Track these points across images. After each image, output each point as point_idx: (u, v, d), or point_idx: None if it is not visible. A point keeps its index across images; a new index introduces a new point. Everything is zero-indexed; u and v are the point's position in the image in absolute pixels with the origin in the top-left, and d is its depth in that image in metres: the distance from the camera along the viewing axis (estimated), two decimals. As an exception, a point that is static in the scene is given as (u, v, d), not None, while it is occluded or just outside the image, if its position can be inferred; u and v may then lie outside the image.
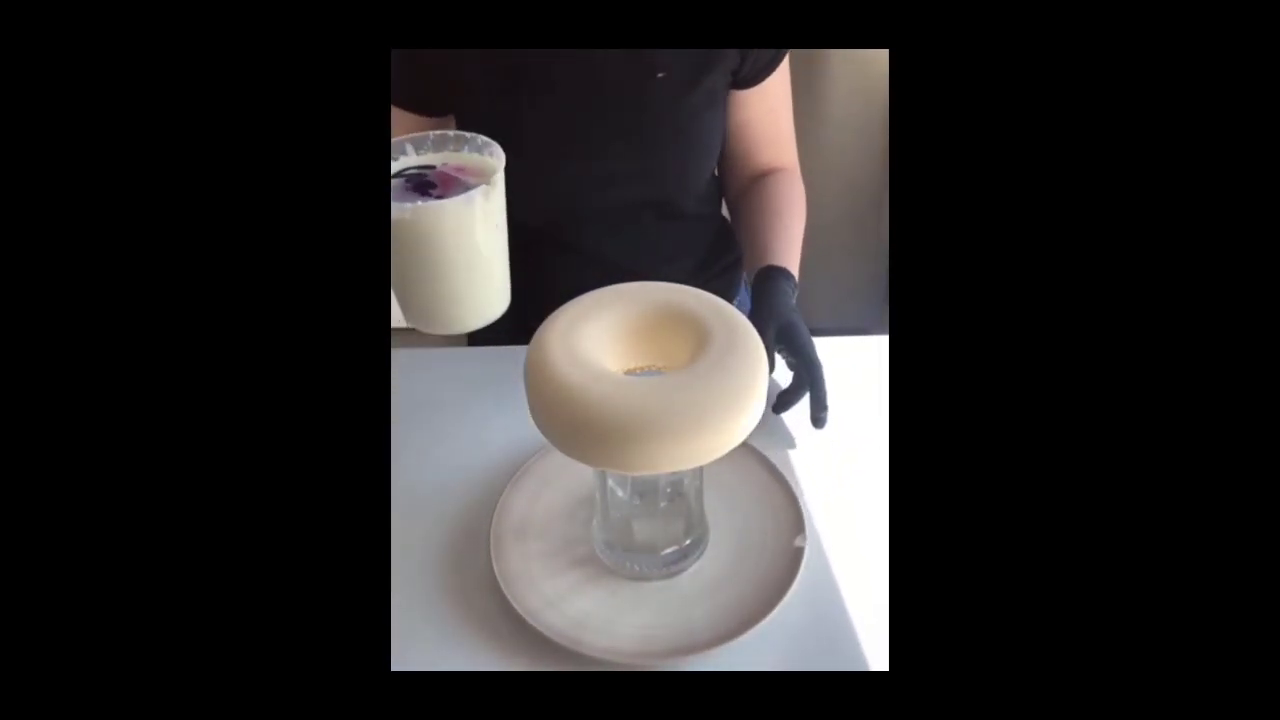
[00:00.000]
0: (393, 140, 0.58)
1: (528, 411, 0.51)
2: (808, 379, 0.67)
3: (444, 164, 0.59)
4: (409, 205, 0.53)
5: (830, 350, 0.79)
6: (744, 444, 0.55)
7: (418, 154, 0.59)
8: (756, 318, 0.70)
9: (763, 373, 0.50)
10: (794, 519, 0.61)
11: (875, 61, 1.61)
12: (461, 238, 0.56)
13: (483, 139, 0.59)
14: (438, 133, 0.59)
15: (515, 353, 0.53)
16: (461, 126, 0.59)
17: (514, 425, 0.69)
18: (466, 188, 0.56)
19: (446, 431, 0.71)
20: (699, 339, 0.51)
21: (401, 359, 0.79)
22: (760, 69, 0.79)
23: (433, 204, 0.54)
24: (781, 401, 0.69)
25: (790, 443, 0.70)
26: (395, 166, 0.58)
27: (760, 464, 0.65)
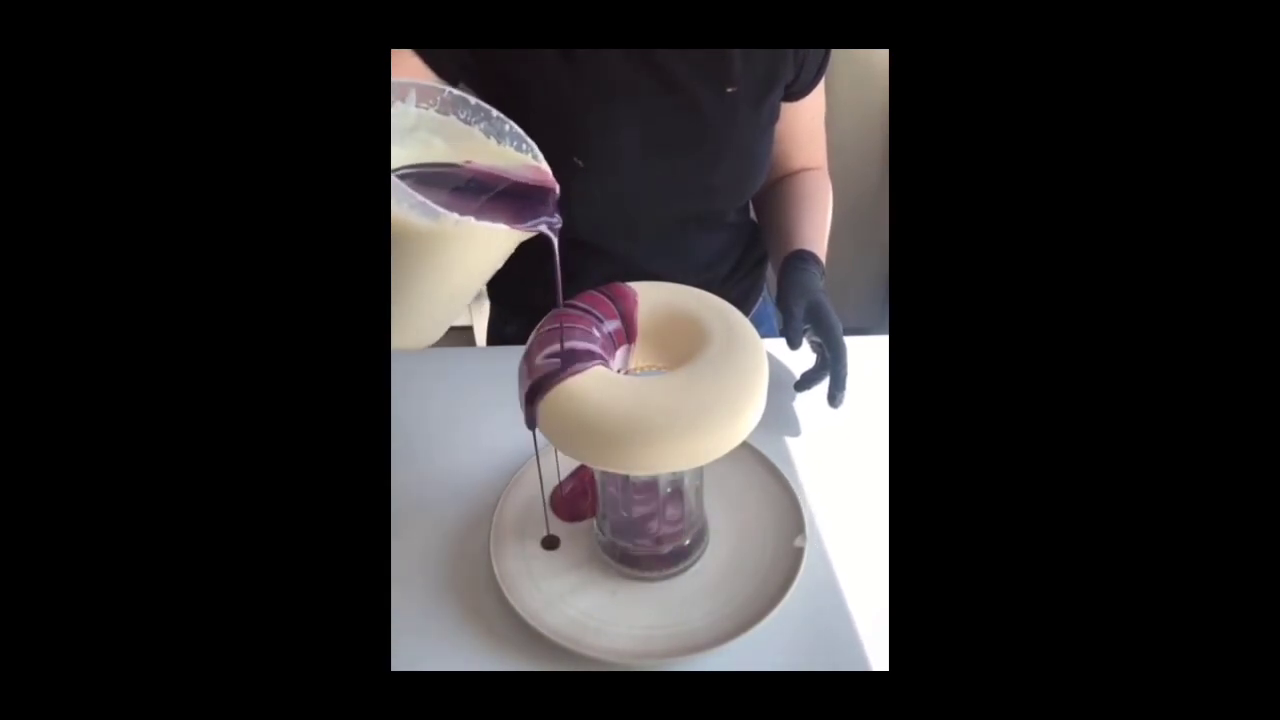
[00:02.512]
0: (394, 79, 0.46)
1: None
2: (831, 359, 0.68)
3: (474, 162, 0.48)
4: (451, 215, 0.42)
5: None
6: (744, 444, 0.55)
7: (418, 106, 0.48)
8: (786, 296, 0.72)
9: (763, 372, 0.50)
10: (794, 519, 0.61)
11: (875, 61, 1.61)
12: (487, 264, 0.48)
13: (510, 125, 0.49)
14: (455, 93, 0.48)
15: (515, 352, 0.53)
16: (522, 122, 0.50)
17: (514, 425, 0.69)
18: (521, 207, 0.46)
19: (447, 431, 0.71)
20: (699, 339, 0.51)
21: (401, 359, 0.79)
22: (809, 81, 0.80)
23: (485, 226, 0.43)
24: (804, 380, 0.71)
25: (790, 443, 0.70)
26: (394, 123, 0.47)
27: (760, 464, 0.65)
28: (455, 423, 0.72)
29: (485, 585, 0.58)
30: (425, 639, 0.55)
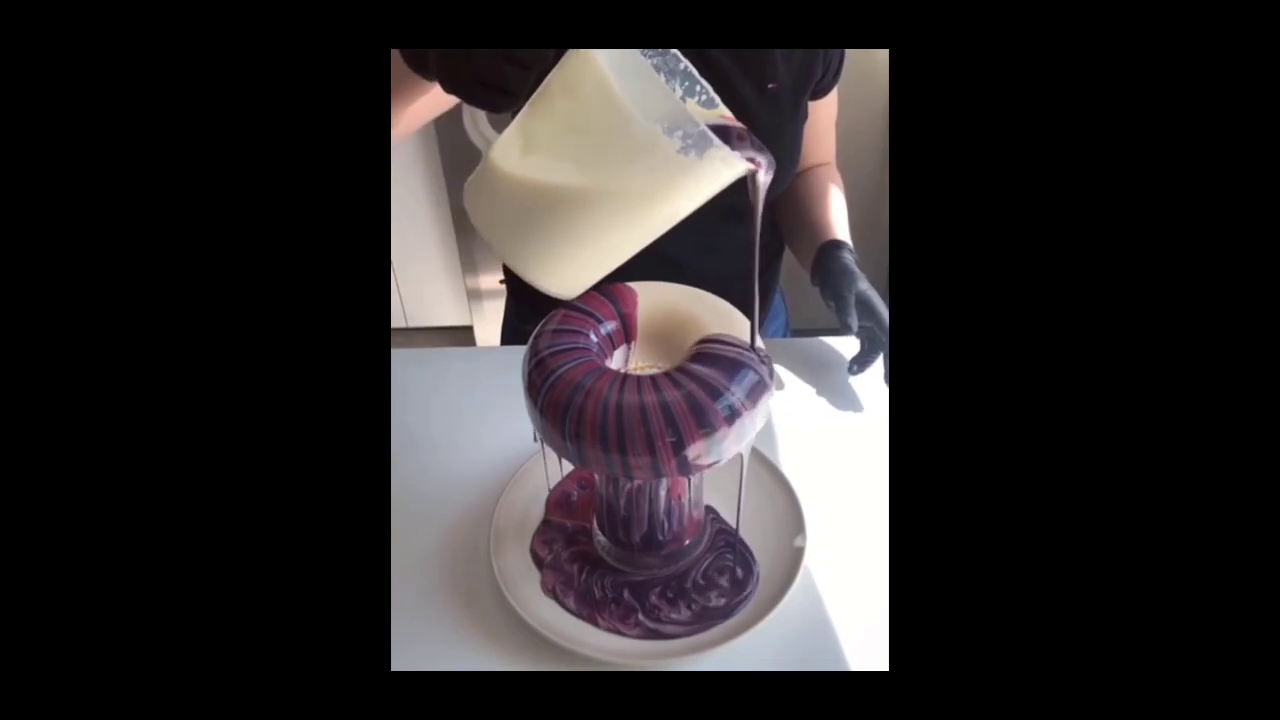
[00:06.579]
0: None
1: (527, 411, 0.51)
2: (883, 342, 0.71)
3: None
4: (723, 149, 0.38)
5: (831, 350, 0.79)
6: (744, 444, 0.55)
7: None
8: (836, 283, 0.74)
9: (763, 373, 0.50)
10: (794, 519, 0.61)
11: (875, 61, 1.61)
12: (688, 211, 0.45)
13: (685, 65, 0.45)
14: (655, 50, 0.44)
15: (514, 352, 0.53)
16: None
17: (514, 425, 0.69)
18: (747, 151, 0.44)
19: (446, 431, 0.71)
20: (699, 339, 0.51)
21: (401, 359, 0.79)
22: (830, 80, 0.83)
23: (744, 163, 0.41)
24: (859, 362, 0.74)
25: (790, 443, 0.70)
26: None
27: (760, 464, 0.65)
28: (455, 423, 0.72)
29: (485, 585, 0.58)
30: (425, 639, 0.55)
